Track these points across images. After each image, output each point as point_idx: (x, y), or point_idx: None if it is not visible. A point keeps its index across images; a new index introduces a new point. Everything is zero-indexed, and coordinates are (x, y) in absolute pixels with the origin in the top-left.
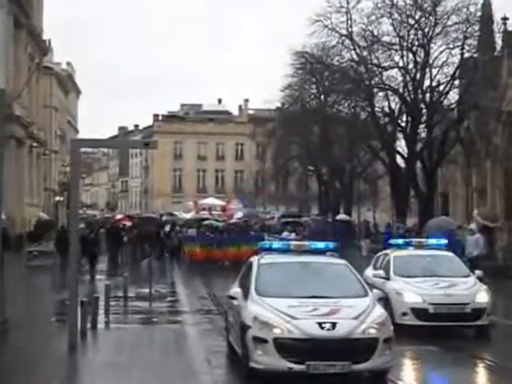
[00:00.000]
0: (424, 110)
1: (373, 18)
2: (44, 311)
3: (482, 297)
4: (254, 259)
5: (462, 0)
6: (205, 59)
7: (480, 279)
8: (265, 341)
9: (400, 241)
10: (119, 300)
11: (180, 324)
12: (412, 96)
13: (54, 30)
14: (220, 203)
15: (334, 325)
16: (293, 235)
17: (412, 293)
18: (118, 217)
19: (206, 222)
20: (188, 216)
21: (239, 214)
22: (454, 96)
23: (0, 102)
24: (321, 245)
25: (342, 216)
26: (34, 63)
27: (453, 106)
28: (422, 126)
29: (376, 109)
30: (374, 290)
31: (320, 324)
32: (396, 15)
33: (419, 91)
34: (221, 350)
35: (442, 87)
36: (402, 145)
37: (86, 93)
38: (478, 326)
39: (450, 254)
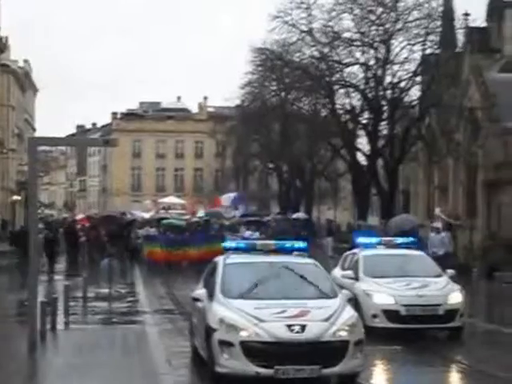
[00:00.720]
0: (385, 107)
1: (333, 14)
2: (2, 312)
3: (455, 297)
4: (219, 259)
5: None
6: (163, 57)
7: (453, 279)
8: (231, 344)
9: (369, 240)
10: (78, 300)
11: (140, 324)
12: (373, 93)
13: (12, 28)
14: (179, 201)
15: (303, 327)
16: (256, 234)
17: (383, 294)
18: (79, 217)
19: (166, 222)
20: (147, 215)
21: (201, 213)
22: (415, 93)
23: None
24: (289, 244)
25: (299, 214)
26: None
27: (414, 102)
28: (384, 123)
29: (337, 106)
30: (344, 291)
31: (289, 326)
32: (357, 11)
33: (380, 88)
34: (181, 351)
35: (403, 84)
36: (363, 142)
37: (43, 91)
38: (450, 327)
39: (420, 253)
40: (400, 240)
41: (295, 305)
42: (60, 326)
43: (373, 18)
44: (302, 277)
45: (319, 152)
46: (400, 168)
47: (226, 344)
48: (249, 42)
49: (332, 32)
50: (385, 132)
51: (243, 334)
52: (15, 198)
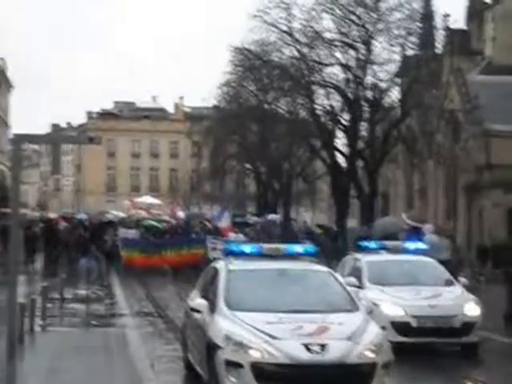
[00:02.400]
0: (366, 108)
1: (314, 13)
2: None
3: (472, 308)
4: (220, 264)
5: None
6: (138, 56)
7: (466, 287)
8: (240, 365)
9: (372, 244)
10: (55, 302)
11: (120, 327)
12: (353, 93)
13: None
14: (157, 202)
15: (323, 347)
16: (240, 237)
17: (391, 304)
18: (52, 216)
19: (147, 223)
20: (124, 215)
21: (181, 215)
22: (395, 94)
23: None
24: (299, 248)
25: (273, 216)
26: None
27: (395, 104)
28: (364, 124)
29: (316, 106)
30: (363, 302)
31: (306, 346)
32: (337, 11)
33: (360, 88)
34: (163, 355)
35: (383, 85)
36: (342, 143)
37: (17, 88)
38: (466, 342)
39: (429, 259)
40: (407, 245)
41: (312, 319)
42: (37, 328)
43: (353, 18)
44: (316, 286)
45: (297, 153)
46: (380, 170)
47: (233, 365)
48: (227, 41)
49: (312, 32)
50: (364, 133)
51: (254, 354)
52: None
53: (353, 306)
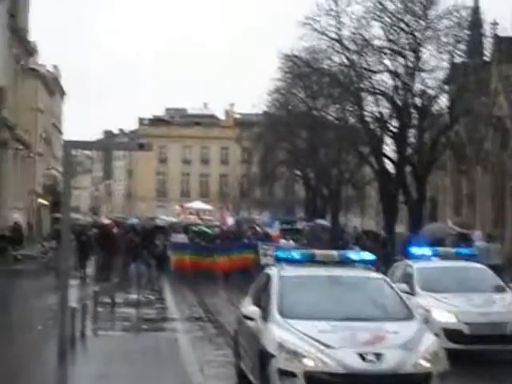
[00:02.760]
0: (414, 115)
1: (363, 21)
2: (31, 318)
3: None
4: (273, 271)
5: (453, 4)
6: (190, 62)
7: None
8: (293, 374)
9: (424, 250)
10: (107, 306)
11: (170, 331)
12: (402, 100)
13: (41, 32)
14: (208, 207)
15: (378, 356)
16: (291, 243)
17: (443, 310)
18: (105, 221)
19: (196, 228)
20: (175, 220)
21: (231, 220)
22: (444, 101)
23: None
24: (354, 255)
25: (320, 220)
26: (19, 65)
27: (443, 110)
28: (412, 130)
29: (365, 113)
30: (419, 310)
31: (361, 355)
32: (386, 19)
33: (409, 95)
34: (213, 360)
35: (432, 92)
36: (391, 150)
37: (71, 96)
38: None
39: (480, 265)
40: (458, 251)
41: (366, 328)
42: (89, 332)
43: (402, 25)
44: (370, 294)
45: (346, 159)
46: (428, 176)
47: (286, 374)
48: (277, 49)
49: (361, 39)
50: (413, 140)
51: (308, 363)
52: (41, 201)
53: (408, 315)
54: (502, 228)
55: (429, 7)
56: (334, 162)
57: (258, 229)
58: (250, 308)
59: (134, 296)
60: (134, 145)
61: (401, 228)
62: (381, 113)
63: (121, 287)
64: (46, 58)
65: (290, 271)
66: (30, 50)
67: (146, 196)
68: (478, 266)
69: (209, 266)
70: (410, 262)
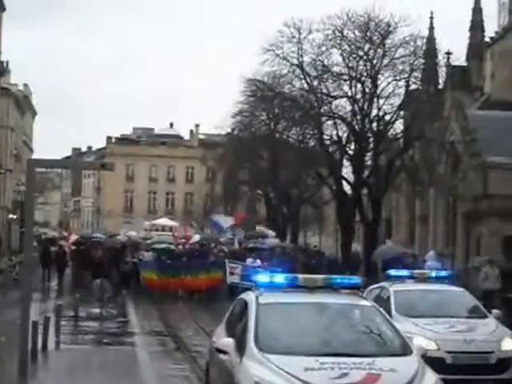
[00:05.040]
0: (371, 139)
1: (323, 48)
2: None
3: (509, 344)
4: (250, 297)
5: (410, 33)
6: (157, 85)
7: (499, 320)
8: None
9: (400, 272)
10: (69, 320)
11: (131, 346)
12: (360, 125)
13: (12, 52)
14: (173, 224)
15: None
16: (257, 262)
17: (423, 337)
18: (72, 238)
19: (163, 246)
20: (140, 235)
21: (196, 238)
22: (399, 126)
23: None
24: (342, 280)
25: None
26: None
27: (399, 135)
28: (369, 154)
29: (325, 136)
30: (415, 343)
31: None
32: (346, 46)
33: (367, 120)
34: (171, 374)
35: (388, 117)
36: (348, 172)
37: (42, 113)
38: (503, 379)
39: (459, 288)
40: (435, 273)
41: (358, 365)
42: (51, 346)
43: (361, 53)
44: (360, 324)
45: (306, 180)
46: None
47: None
48: (240, 73)
49: (321, 66)
50: (369, 163)
51: None
52: (11, 216)
53: (405, 349)
54: (453, 247)
55: (386, 36)
56: (294, 182)
57: (224, 247)
58: (223, 339)
59: (96, 310)
60: (97, 164)
61: (357, 247)
62: (339, 136)
63: (83, 301)
64: (16, 76)
65: (270, 298)
66: (1, 71)
67: (113, 212)
68: (458, 289)
69: (177, 286)
70: (385, 284)
